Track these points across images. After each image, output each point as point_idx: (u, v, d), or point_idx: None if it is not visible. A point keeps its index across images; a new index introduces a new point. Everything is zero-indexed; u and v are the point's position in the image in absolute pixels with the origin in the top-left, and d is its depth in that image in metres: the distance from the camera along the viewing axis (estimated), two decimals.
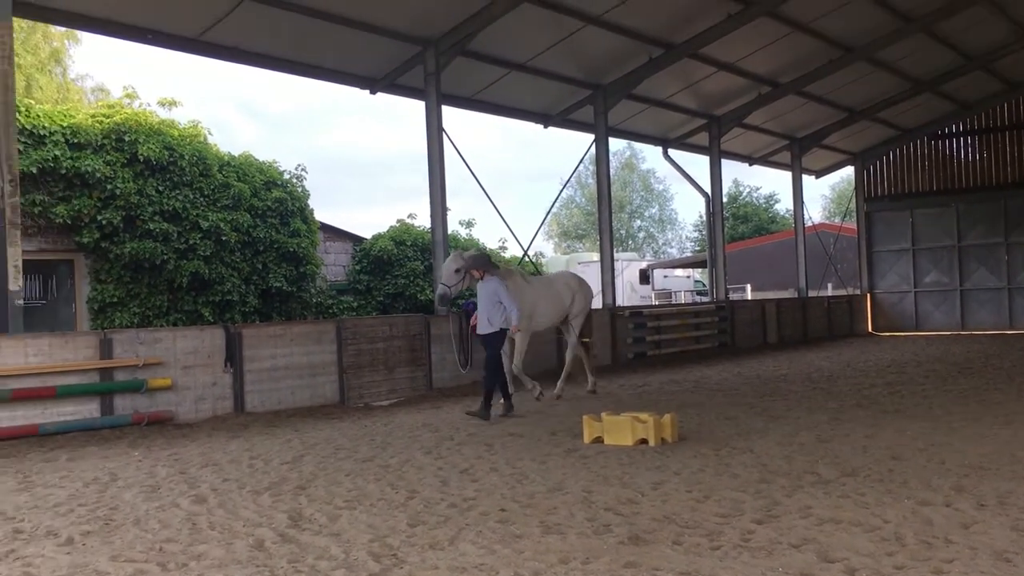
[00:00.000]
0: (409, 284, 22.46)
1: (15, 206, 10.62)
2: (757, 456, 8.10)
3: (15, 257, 10.52)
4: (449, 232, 16.98)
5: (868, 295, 29.50)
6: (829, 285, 31.37)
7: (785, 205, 58.79)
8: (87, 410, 10.63)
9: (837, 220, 47.28)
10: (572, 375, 14.16)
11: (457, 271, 12.20)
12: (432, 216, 16.23)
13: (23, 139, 14.55)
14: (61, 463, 8.89)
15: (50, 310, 17.12)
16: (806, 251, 27.52)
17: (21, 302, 10.58)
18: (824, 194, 76.66)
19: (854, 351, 21.51)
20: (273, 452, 9.23)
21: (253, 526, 6.11)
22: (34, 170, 15.15)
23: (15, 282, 10.49)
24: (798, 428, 9.69)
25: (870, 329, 29.14)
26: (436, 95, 15.95)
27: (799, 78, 21.77)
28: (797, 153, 27.12)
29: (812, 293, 27.91)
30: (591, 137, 20.14)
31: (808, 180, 29.71)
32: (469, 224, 26.35)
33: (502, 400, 11.60)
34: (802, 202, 27.74)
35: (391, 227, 23.71)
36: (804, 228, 27.73)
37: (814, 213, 37.84)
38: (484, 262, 12.17)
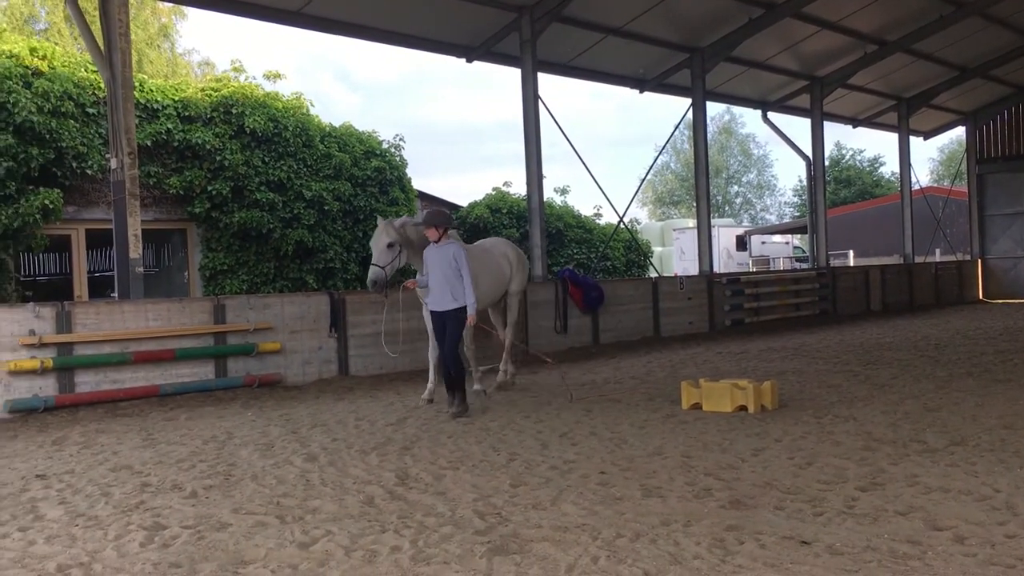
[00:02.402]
0: None
1: (134, 178, 11.16)
2: (861, 424, 7.99)
3: (134, 227, 11.08)
4: (544, 199, 17.05)
5: (979, 261, 28.36)
6: (937, 251, 30.27)
7: (891, 168, 56.72)
8: (203, 372, 11.16)
9: (946, 183, 45.40)
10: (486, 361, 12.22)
11: (391, 246, 9.81)
12: (528, 183, 16.32)
13: (138, 113, 15.15)
14: (181, 422, 9.39)
15: (164, 277, 17.91)
16: (913, 216, 26.60)
17: (141, 270, 11.14)
18: (932, 156, 73.83)
19: (964, 319, 20.77)
20: (377, 414, 9.53)
21: (363, 483, 6.36)
22: (148, 143, 15.80)
23: (135, 250, 11.05)
24: (904, 396, 9.48)
25: (981, 296, 28.04)
26: (532, 62, 15.96)
27: (907, 35, 20.93)
28: (904, 114, 26.13)
29: (919, 259, 26.99)
30: (687, 101, 19.83)
31: (916, 142, 28.63)
32: (564, 191, 26.30)
33: (450, 394, 9.40)
34: (909, 164, 26.78)
35: (487, 195, 23.88)
36: (911, 192, 26.77)
37: (921, 176, 36.48)
38: (446, 218, 9.72)
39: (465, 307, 9.31)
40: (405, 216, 10.32)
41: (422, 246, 9.89)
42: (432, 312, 9.60)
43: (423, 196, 21.96)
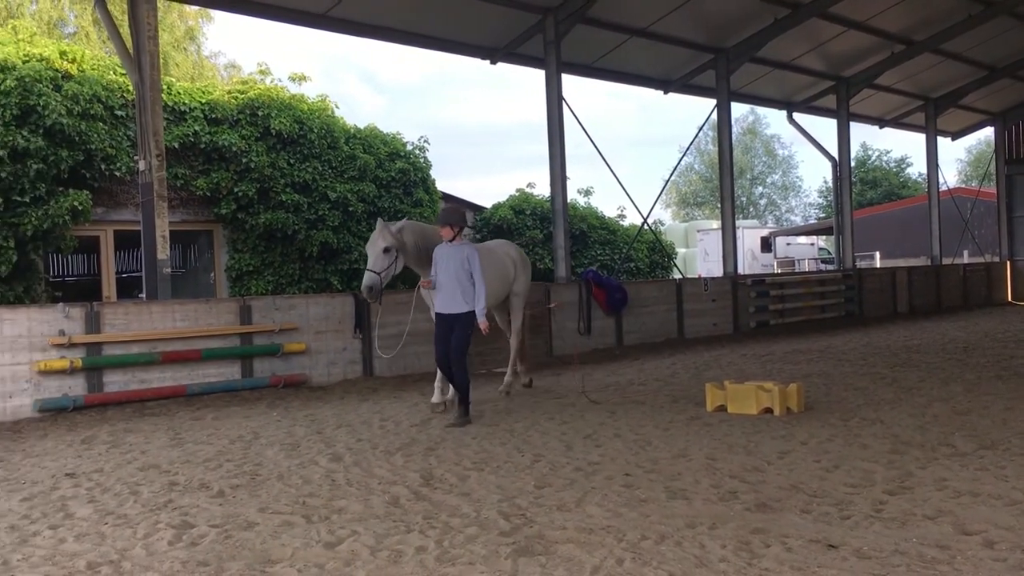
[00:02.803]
0: (529, 253, 22.60)
1: (162, 180, 11.27)
2: (888, 427, 7.92)
3: (162, 228, 11.19)
4: (568, 200, 17.03)
5: (1008, 263, 28.02)
6: (965, 252, 29.94)
7: (918, 169, 56.24)
8: (229, 372, 11.24)
9: (974, 184, 44.91)
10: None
11: (387, 251, 9.31)
12: (552, 184, 16.31)
13: (166, 115, 15.29)
14: (207, 421, 9.47)
15: (191, 278, 18.07)
16: (940, 217, 26.34)
17: (168, 270, 11.25)
18: (960, 157, 72.95)
19: (992, 321, 20.52)
20: (402, 415, 9.57)
21: (388, 484, 6.39)
22: (176, 145, 15.96)
23: (163, 251, 11.16)
24: (931, 399, 9.39)
25: (1010, 298, 27.71)
26: (556, 63, 15.96)
27: (935, 35, 20.73)
28: (932, 114, 25.88)
29: (947, 261, 26.71)
30: (711, 102, 19.76)
31: (943, 142, 28.35)
32: (587, 192, 26.22)
33: (458, 404, 9.13)
34: (936, 165, 26.52)
35: (510, 196, 23.88)
36: (938, 193, 26.50)
37: (949, 177, 36.01)
38: (461, 217, 9.41)
39: (472, 312, 8.98)
40: (404, 220, 10.06)
41: (420, 251, 9.65)
42: (438, 315, 9.13)
43: (447, 197, 22.00)
